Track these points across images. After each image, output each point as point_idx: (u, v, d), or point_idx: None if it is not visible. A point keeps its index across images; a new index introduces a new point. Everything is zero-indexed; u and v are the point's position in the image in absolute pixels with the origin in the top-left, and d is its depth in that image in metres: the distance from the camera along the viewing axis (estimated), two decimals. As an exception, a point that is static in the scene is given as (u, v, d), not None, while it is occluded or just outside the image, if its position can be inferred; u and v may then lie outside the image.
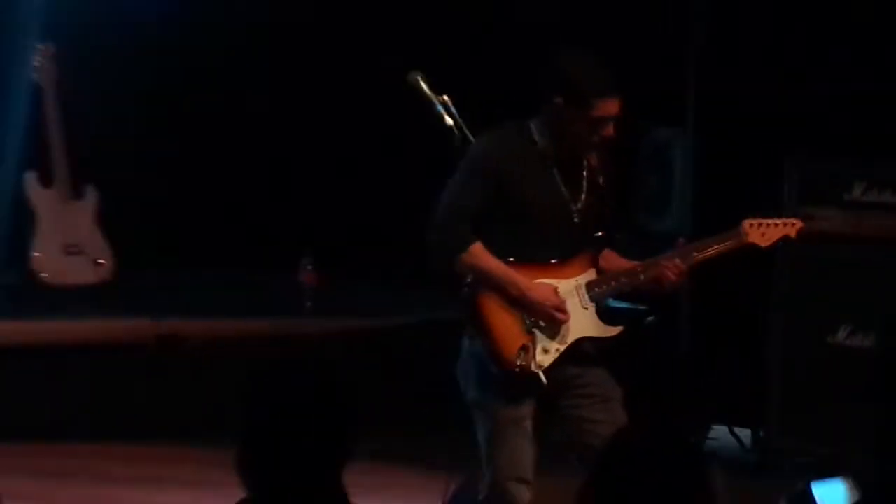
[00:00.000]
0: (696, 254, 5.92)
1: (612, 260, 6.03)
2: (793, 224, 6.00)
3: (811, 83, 8.97)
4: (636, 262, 5.99)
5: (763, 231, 5.98)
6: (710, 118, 8.64)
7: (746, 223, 5.95)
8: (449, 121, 5.94)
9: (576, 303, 5.92)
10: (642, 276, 5.93)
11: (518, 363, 5.82)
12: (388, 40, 10.09)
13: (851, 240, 8.00)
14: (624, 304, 8.45)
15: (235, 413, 3.75)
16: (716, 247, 5.93)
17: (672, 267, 5.88)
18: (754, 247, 5.98)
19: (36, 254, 9.68)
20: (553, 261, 5.92)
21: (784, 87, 8.99)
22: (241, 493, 3.70)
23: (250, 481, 3.70)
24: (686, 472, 3.49)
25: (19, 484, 7.65)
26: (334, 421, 3.73)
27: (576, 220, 5.89)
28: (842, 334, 8.04)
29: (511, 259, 5.89)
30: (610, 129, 5.79)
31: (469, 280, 5.91)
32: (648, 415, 6.00)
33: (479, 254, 5.84)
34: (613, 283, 5.96)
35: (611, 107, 5.77)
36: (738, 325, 8.62)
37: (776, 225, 6.00)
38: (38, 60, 9.75)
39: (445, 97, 5.97)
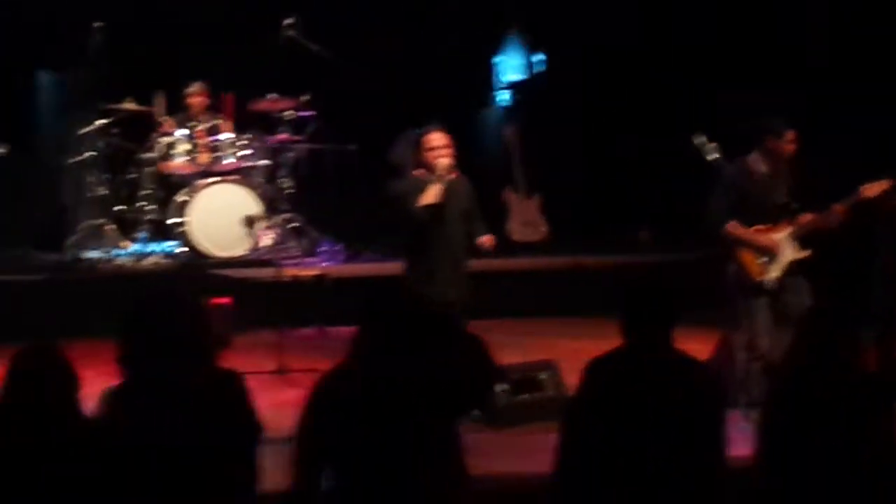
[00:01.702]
0: (842, 205, 7.21)
1: (806, 217, 7.41)
2: (887, 182, 7.22)
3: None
4: (815, 216, 7.33)
5: (870, 189, 7.26)
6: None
7: (861, 187, 7.29)
8: (713, 157, 7.55)
9: (786, 243, 7.22)
10: (818, 223, 7.32)
11: (758, 279, 7.20)
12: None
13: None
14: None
15: (617, 300, 4.51)
16: (851, 201, 7.26)
17: (835, 211, 7.20)
18: (867, 199, 7.24)
19: (511, 224, 12.57)
20: (765, 225, 7.27)
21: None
22: (615, 342, 4.34)
23: (628, 331, 4.35)
24: (842, 327, 4.41)
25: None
26: (668, 300, 4.49)
27: (784, 200, 7.34)
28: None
29: (749, 227, 7.26)
30: (793, 147, 7.34)
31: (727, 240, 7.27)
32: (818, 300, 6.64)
33: (734, 226, 7.23)
34: (803, 229, 7.30)
35: (792, 135, 7.34)
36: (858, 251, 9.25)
37: (876, 185, 7.24)
38: (508, 133, 13.09)
39: (714, 144, 7.50)
